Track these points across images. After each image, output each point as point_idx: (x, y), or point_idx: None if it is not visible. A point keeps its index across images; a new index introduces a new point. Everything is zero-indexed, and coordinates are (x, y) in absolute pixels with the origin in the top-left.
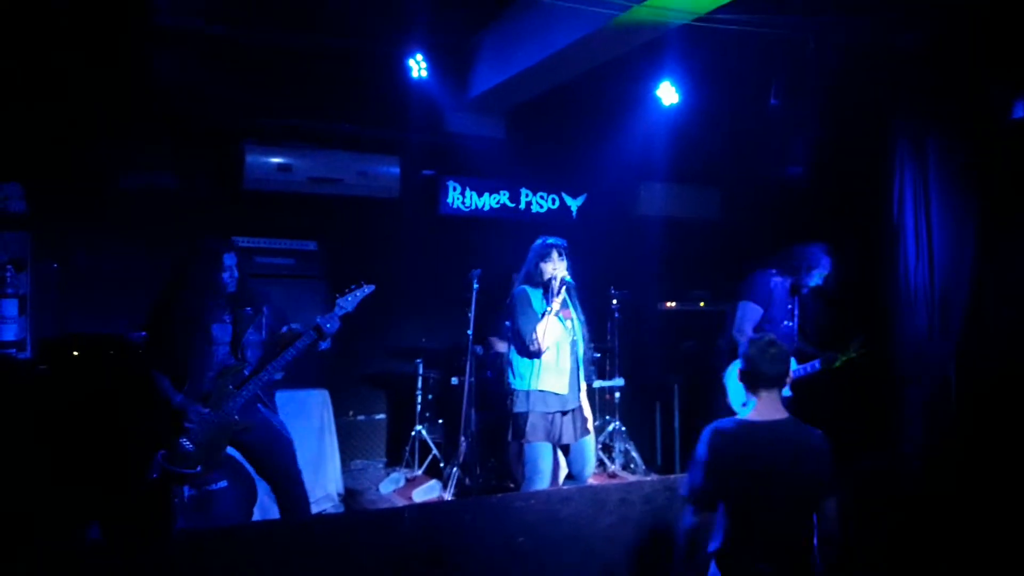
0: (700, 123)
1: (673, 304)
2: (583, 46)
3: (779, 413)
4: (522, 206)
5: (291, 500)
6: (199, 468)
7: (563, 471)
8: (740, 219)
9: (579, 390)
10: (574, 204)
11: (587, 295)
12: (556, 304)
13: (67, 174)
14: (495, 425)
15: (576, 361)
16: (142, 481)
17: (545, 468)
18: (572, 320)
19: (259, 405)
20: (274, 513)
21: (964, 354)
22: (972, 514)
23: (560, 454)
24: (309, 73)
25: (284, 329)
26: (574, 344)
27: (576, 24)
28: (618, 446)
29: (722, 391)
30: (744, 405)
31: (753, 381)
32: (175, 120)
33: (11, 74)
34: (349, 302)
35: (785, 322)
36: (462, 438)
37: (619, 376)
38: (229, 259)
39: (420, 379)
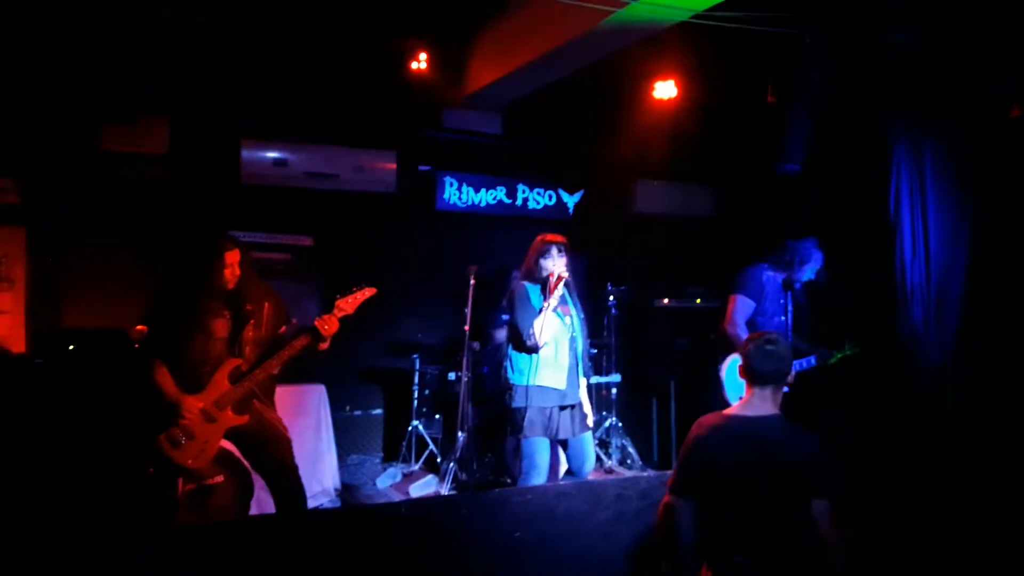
0: (697, 120)
1: (669, 301)
2: (580, 43)
3: (767, 409)
4: (519, 202)
5: (287, 495)
6: (194, 462)
7: (563, 467)
8: (736, 217)
9: (578, 386)
10: (571, 200)
11: (584, 292)
12: (553, 300)
13: (62, 168)
14: (492, 420)
15: (575, 357)
16: (139, 475)
17: (542, 463)
18: (571, 316)
19: (255, 401)
20: (270, 508)
21: (960, 350)
22: (971, 509)
23: (559, 449)
24: (306, 68)
25: (287, 326)
26: (573, 340)
27: (573, 21)
28: (615, 442)
29: (718, 385)
30: (740, 398)
31: (748, 376)
32: (171, 114)
33: (11, 74)
34: (349, 304)
35: (778, 317)
36: (459, 433)
37: (616, 372)
38: (233, 257)
39: (417, 374)
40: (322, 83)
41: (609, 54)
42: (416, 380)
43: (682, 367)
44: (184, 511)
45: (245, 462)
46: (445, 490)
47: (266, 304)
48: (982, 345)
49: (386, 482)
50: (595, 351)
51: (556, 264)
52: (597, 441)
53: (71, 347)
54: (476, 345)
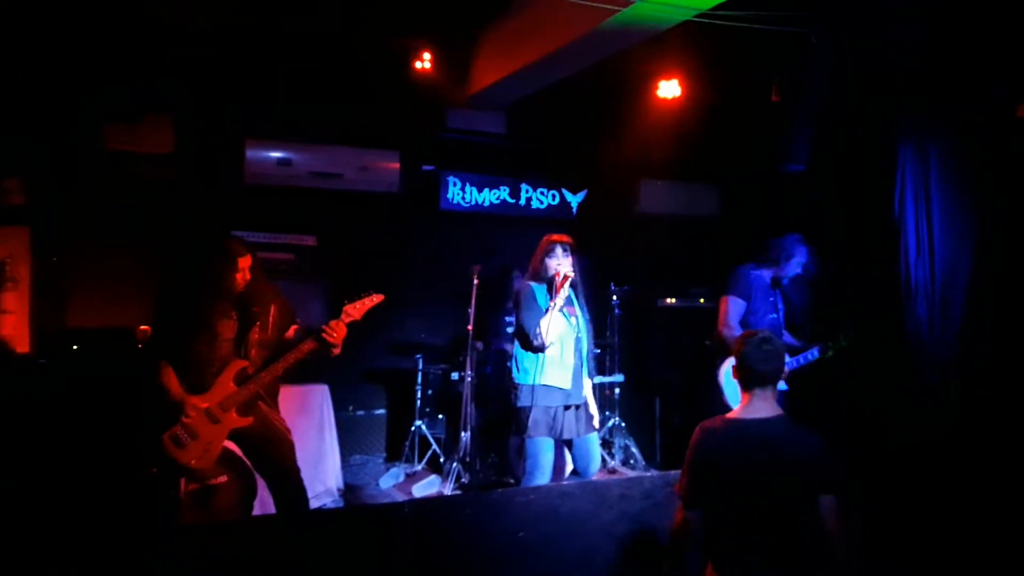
0: (701, 120)
1: (673, 301)
2: (585, 42)
3: (770, 411)
4: (522, 202)
5: (288, 496)
6: (197, 462)
7: (568, 467)
8: (741, 216)
9: (583, 386)
10: (574, 200)
11: (587, 291)
12: (559, 299)
13: (66, 167)
14: (495, 420)
15: (580, 357)
16: (143, 474)
17: (546, 463)
18: (576, 317)
19: (260, 402)
20: (273, 508)
21: (964, 348)
22: (972, 506)
23: (565, 450)
24: (310, 67)
25: (293, 329)
26: (578, 340)
27: (578, 20)
28: (618, 442)
29: (717, 389)
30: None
31: (747, 378)
32: (176, 114)
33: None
34: (357, 309)
35: (770, 315)
36: (462, 433)
37: (619, 372)
38: (245, 262)
39: (420, 374)
40: (326, 83)
41: (613, 54)
42: (419, 380)
43: (685, 367)
44: (187, 511)
45: (248, 463)
46: (448, 490)
47: (272, 306)
48: (986, 343)
49: (389, 482)
50: (598, 351)
51: (562, 264)
52: (600, 441)
53: (75, 347)
54: (479, 345)
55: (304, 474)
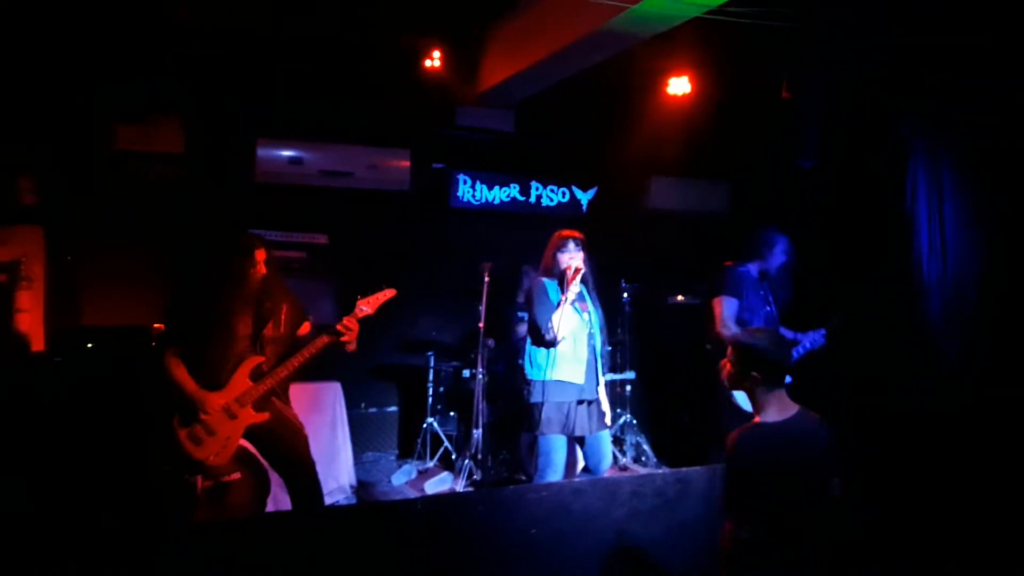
0: (711, 116)
1: (683, 298)
2: (594, 39)
3: (791, 406)
4: (532, 199)
5: (304, 492)
6: (215, 459)
7: (580, 464)
8: (751, 213)
9: (597, 383)
10: (584, 197)
11: (598, 288)
12: (571, 293)
13: (78, 167)
14: (507, 417)
15: (593, 353)
16: (159, 471)
17: (558, 461)
18: (589, 312)
19: (273, 397)
20: (286, 505)
21: (976, 344)
22: (981, 503)
23: (576, 447)
24: (321, 66)
25: (304, 327)
26: (591, 336)
27: (586, 17)
28: (629, 439)
29: (724, 390)
30: None
31: (773, 374)
32: (186, 113)
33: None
34: (370, 304)
35: (764, 308)
36: (474, 430)
37: (630, 369)
38: (261, 255)
39: (432, 372)
40: (336, 82)
41: (622, 51)
42: (431, 377)
43: (696, 364)
44: (201, 508)
45: (262, 460)
46: (460, 487)
47: (285, 304)
48: (998, 339)
49: (401, 479)
50: (609, 348)
51: (573, 258)
52: (612, 438)
53: (89, 345)
54: (491, 342)
55: (317, 471)
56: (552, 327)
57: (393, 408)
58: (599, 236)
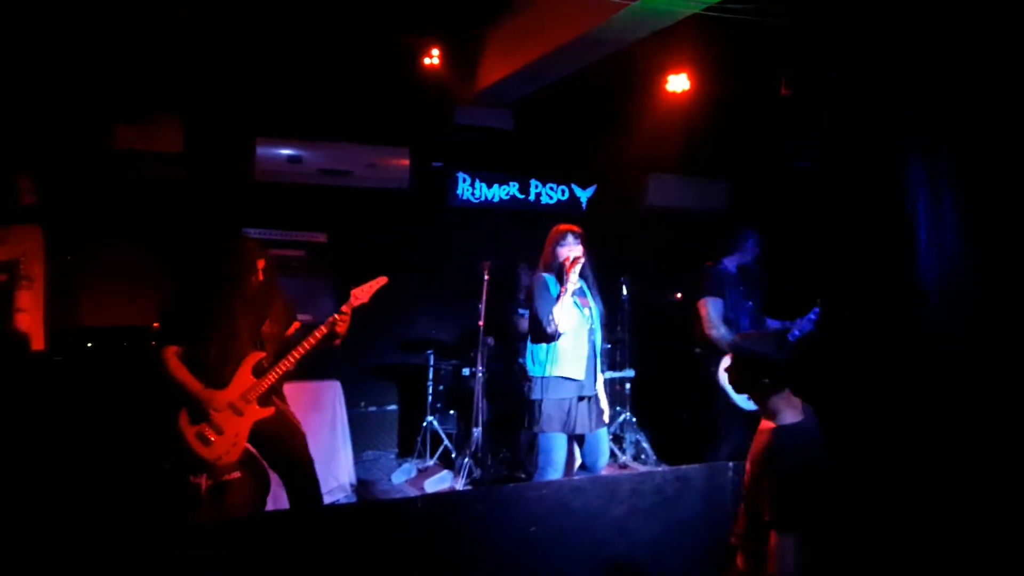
0: (710, 115)
1: (682, 295)
2: (592, 37)
3: (799, 404)
4: (532, 197)
5: (303, 491)
6: (226, 457)
7: (576, 461)
8: (750, 211)
9: (596, 379)
10: (584, 195)
11: (598, 284)
12: (571, 284)
13: (78, 167)
14: (507, 416)
15: (593, 349)
16: (157, 471)
17: (559, 459)
18: (589, 307)
19: (273, 396)
20: (286, 504)
21: (975, 346)
22: (977, 505)
23: (575, 445)
24: (319, 65)
25: (294, 326)
26: (591, 332)
27: (585, 15)
28: (629, 437)
29: (721, 391)
30: (748, 399)
31: (782, 376)
32: (186, 112)
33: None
34: (364, 292)
35: (746, 304)
36: (474, 429)
37: (629, 367)
38: (262, 264)
39: (431, 370)
40: (336, 81)
41: (621, 48)
42: (430, 376)
43: (695, 362)
44: (203, 508)
45: (261, 459)
46: (460, 485)
47: (280, 302)
48: (997, 342)
49: (401, 477)
50: (608, 346)
51: (572, 251)
52: (611, 436)
53: (89, 344)
54: (490, 341)
55: (317, 470)
56: (553, 320)
57: (393, 406)
58: (598, 234)
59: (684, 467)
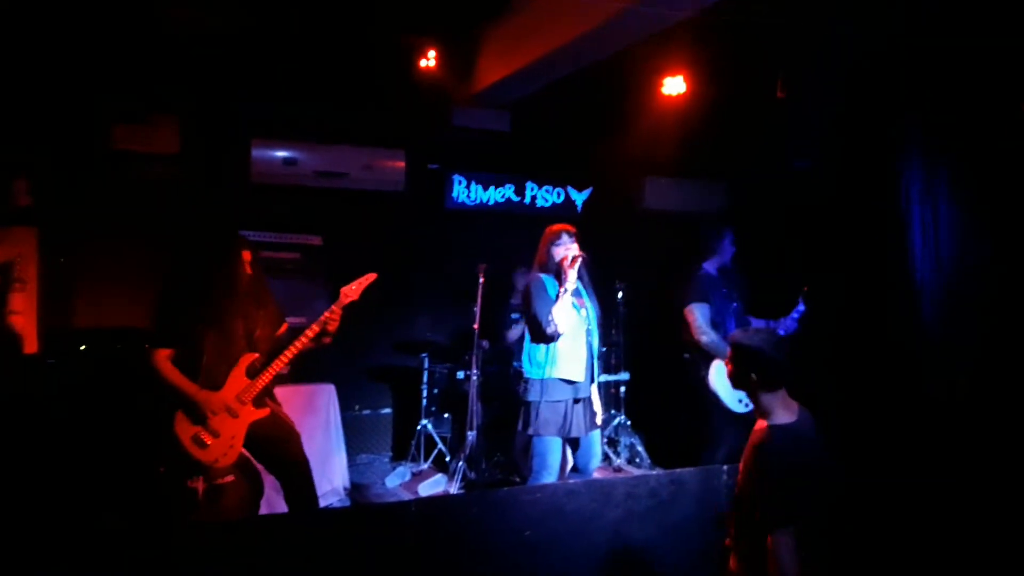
0: (707, 116)
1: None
2: (589, 38)
3: (794, 406)
4: (527, 200)
5: (299, 493)
6: (223, 459)
7: (568, 463)
8: (747, 213)
9: (591, 381)
10: (580, 198)
11: (594, 286)
12: (570, 283)
13: (73, 168)
14: (501, 419)
15: (590, 350)
16: (155, 474)
17: (553, 463)
18: (586, 308)
19: (267, 398)
20: (280, 507)
21: (971, 347)
22: (976, 506)
23: (567, 446)
24: (315, 67)
25: (283, 326)
26: (588, 333)
27: (583, 16)
28: (624, 440)
29: (713, 396)
30: (741, 402)
31: (775, 378)
32: (182, 113)
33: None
34: (354, 290)
35: (731, 305)
36: (468, 432)
37: (624, 370)
38: (248, 255)
39: (426, 373)
40: (331, 82)
41: (618, 50)
42: (425, 379)
43: (685, 367)
44: (200, 511)
45: (256, 463)
46: (454, 489)
47: (269, 303)
48: (993, 343)
49: (395, 481)
50: (603, 348)
51: (569, 249)
52: (606, 439)
53: (83, 347)
54: (485, 344)
55: (311, 473)
56: (552, 320)
57: (387, 410)
58: (594, 236)
59: (679, 470)
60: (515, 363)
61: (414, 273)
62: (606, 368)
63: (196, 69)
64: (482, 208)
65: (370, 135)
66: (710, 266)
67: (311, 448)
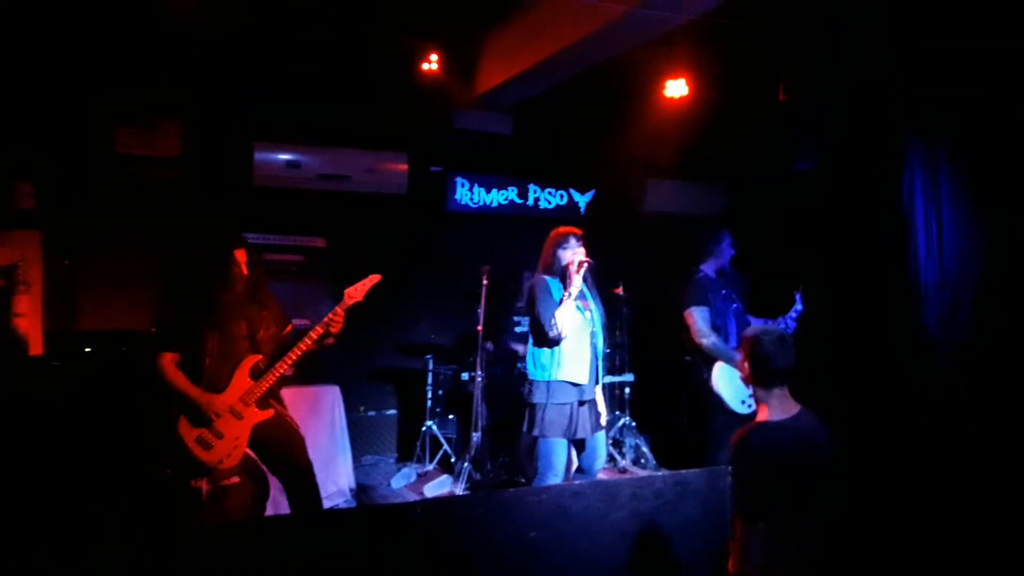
0: (708, 119)
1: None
2: (592, 41)
3: (795, 406)
4: (530, 202)
5: (302, 495)
6: (228, 461)
7: (573, 464)
8: (749, 215)
9: (596, 382)
10: (582, 200)
11: (597, 288)
12: (575, 287)
13: (76, 171)
14: (506, 420)
15: (595, 352)
16: (160, 476)
17: (559, 465)
18: (591, 311)
19: (272, 400)
20: (286, 509)
21: (973, 347)
22: (977, 507)
23: (572, 447)
24: (318, 70)
25: (288, 327)
26: (593, 335)
27: (585, 19)
28: (628, 441)
29: (717, 398)
30: (744, 403)
31: (768, 377)
32: (184, 116)
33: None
34: (358, 291)
35: (732, 306)
36: (473, 433)
37: (629, 372)
38: (242, 256)
39: (430, 375)
40: (334, 85)
41: (620, 53)
42: (430, 380)
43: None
44: (204, 513)
45: (261, 464)
46: (459, 490)
47: (271, 304)
48: (996, 343)
49: (400, 482)
50: (608, 350)
51: (576, 253)
52: (611, 441)
53: (87, 349)
54: (489, 345)
55: (316, 475)
56: (556, 324)
57: (392, 411)
58: (597, 239)
59: (684, 472)
60: (519, 365)
61: (417, 275)
62: (611, 369)
63: (198, 72)
64: (485, 210)
65: (373, 138)
66: (708, 268)
67: (316, 449)
